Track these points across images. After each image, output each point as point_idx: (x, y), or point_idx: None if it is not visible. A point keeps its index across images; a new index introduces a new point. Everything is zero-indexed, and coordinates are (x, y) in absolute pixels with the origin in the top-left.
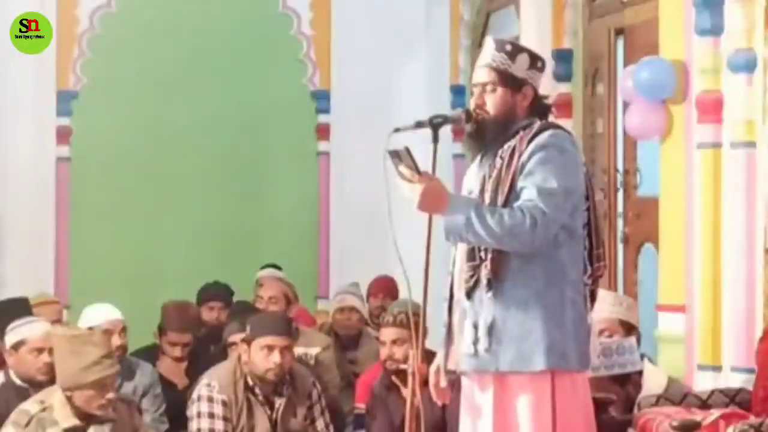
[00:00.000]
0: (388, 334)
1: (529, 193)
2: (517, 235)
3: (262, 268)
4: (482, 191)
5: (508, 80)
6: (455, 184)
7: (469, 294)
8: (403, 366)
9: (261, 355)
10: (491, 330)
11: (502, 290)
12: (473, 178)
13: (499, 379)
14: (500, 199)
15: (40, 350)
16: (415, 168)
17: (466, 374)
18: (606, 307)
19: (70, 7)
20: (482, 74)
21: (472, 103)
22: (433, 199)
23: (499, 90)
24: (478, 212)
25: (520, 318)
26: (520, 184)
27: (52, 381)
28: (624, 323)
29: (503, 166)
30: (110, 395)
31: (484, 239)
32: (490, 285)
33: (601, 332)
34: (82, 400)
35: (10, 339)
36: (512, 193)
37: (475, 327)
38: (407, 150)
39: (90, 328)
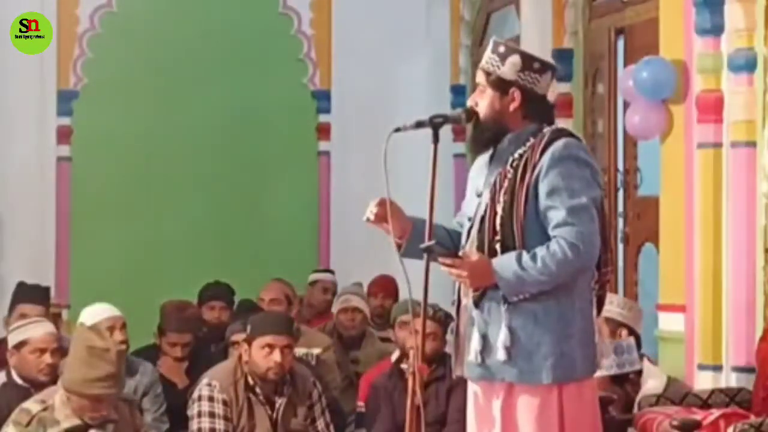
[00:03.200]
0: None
1: (558, 215)
2: (569, 269)
3: (315, 272)
4: (494, 200)
5: (495, 83)
6: (455, 183)
7: (478, 302)
8: (402, 366)
9: (262, 355)
10: (500, 342)
11: (514, 303)
12: (481, 179)
13: (507, 387)
14: (515, 217)
15: (42, 351)
16: (450, 255)
17: (473, 381)
18: (612, 308)
19: (70, 7)
20: (478, 75)
21: (468, 103)
22: (481, 277)
23: (488, 92)
24: (523, 269)
25: (529, 331)
26: (545, 203)
27: (53, 381)
28: (626, 326)
29: (516, 178)
30: (104, 411)
31: (542, 287)
32: (504, 299)
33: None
34: (77, 405)
35: (13, 339)
36: (528, 208)
37: (483, 338)
38: (438, 243)
39: (96, 327)
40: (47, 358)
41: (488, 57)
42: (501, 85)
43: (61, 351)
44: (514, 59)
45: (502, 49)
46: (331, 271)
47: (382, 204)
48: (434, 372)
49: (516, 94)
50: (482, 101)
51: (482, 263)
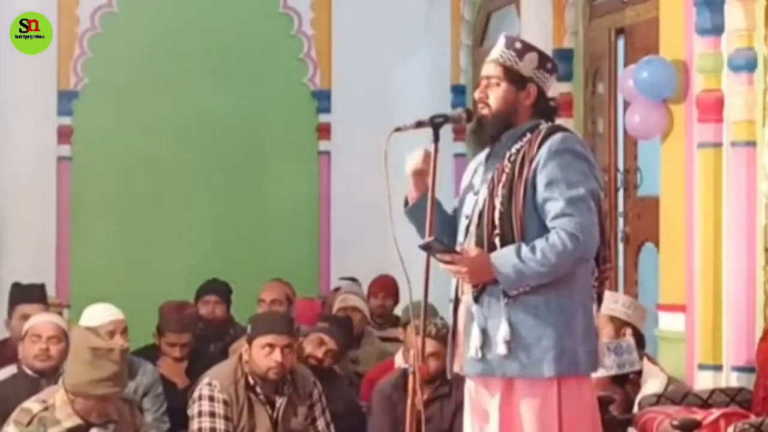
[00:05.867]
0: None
1: (556, 206)
2: (568, 260)
3: (340, 279)
4: (492, 195)
5: (512, 77)
6: (455, 183)
7: (477, 298)
8: (405, 365)
9: (262, 354)
10: (500, 337)
11: (514, 297)
12: (478, 176)
13: (506, 383)
14: (514, 210)
15: (38, 336)
16: (449, 251)
17: (471, 377)
18: (618, 307)
19: (71, 7)
20: (489, 68)
21: (475, 95)
22: (480, 272)
23: (503, 85)
24: (522, 261)
25: (530, 324)
26: (543, 195)
27: (52, 369)
28: (630, 326)
29: (514, 172)
30: (110, 410)
31: (542, 279)
32: (505, 293)
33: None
34: (82, 406)
35: (24, 330)
36: (526, 201)
37: (483, 332)
38: (435, 239)
39: (95, 329)
40: (42, 344)
41: (503, 51)
42: (518, 80)
43: (62, 342)
44: (532, 56)
45: (518, 45)
46: (355, 280)
47: (426, 158)
48: (438, 390)
49: (532, 89)
50: (494, 94)
51: (481, 258)
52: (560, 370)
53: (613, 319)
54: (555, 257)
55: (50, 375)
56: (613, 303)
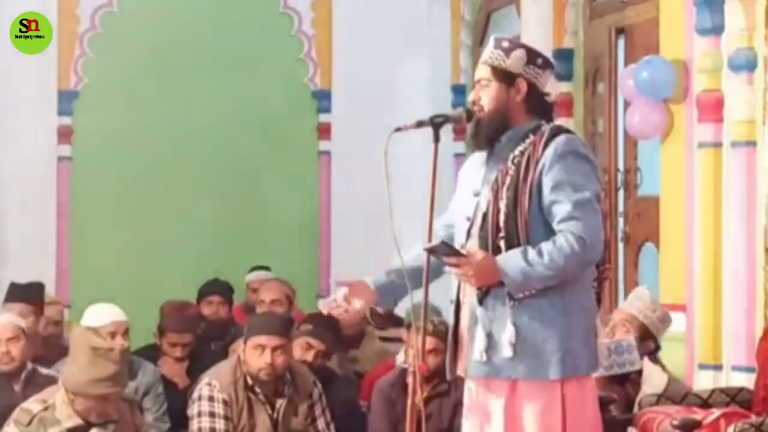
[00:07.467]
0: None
1: (563, 209)
2: (576, 263)
3: (251, 270)
4: (496, 197)
5: (501, 75)
6: (455, 183)
7: (482, 300)
8: (404, 365)
9: (254, 355)
10: (505, 339)
11: (520, 300)
12: (479, 178)
13: (511, 385)
14: (519, 213)
15: None
16: (456, 254)
17: (474, 379)
18: (654, 318)
19: (71, 7)
20: (480, 71)
21: (469, 98)
22: (486, 275)
23: (493, 85)
24: (529, 264)
25: (535, 327)
26: (550, 198)
27: (18, 369)
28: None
29: (519, 175)
30: (110, 410)
31: (548, 282)
32: (510, 296)
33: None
34: (82, 406)
35: None
36: (531, 205)
37: (488, 336)
38: (443, 243)
39: (95, 329)
40: (2, 347)
41: (491, 52)
42: (507, 78)
43: (21, 340)
44: (519, 53)
45: (505, 44)
46: (268, 268)
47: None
48: (437, 387)
49: (522, 84)
50: (486, 95)
51: (487, 261)
52: (565, 372)
53: (641, 326)
54: (563, 260)
55: (18, 374)
56: (651, 312)
